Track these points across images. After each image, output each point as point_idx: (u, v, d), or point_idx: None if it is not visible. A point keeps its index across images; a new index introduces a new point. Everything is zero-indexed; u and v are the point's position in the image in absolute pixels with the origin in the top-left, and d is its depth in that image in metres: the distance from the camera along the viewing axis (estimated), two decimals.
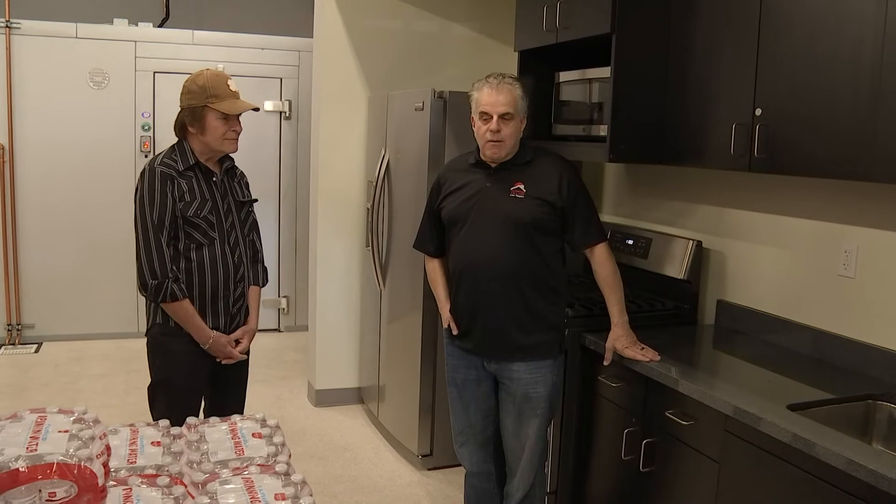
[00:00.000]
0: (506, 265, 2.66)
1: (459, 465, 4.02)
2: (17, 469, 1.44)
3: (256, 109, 2.81)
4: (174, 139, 2.80)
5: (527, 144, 2.75)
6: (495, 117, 2.60)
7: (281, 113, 6.46)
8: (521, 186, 2.67)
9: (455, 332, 2.82)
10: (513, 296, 2.67)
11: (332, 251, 4.82)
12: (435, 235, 2.90)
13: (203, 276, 2.73)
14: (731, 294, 3.22)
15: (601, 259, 2.72)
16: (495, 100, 2.61)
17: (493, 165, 2.72)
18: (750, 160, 2.59)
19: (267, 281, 3.02)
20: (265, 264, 3.03)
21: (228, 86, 2.71)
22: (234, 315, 2.83)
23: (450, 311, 2.84)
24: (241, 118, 2.78)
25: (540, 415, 2.75)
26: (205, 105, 2.67)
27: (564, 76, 3.47)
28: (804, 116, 2.41)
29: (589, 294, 3.25)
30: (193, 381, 2.80)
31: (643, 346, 2.71)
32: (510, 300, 2.67)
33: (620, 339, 2.72)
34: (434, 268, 2.94)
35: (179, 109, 2.74)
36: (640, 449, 2.65)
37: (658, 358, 2.65)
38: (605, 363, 2.79)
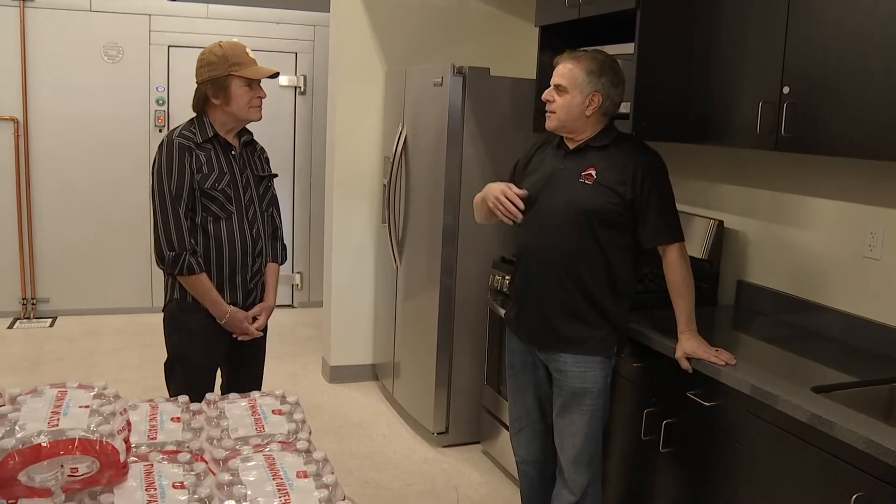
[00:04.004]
0: (559, 252, 2.55)
1: (475, 442, 4.04)
2: (40, 444, 1.42)
3: (277, 74, 2.76)
4: (189, 114, 2.77)
5: (612, 128, 2.62)
6: (551, 86, 2.59)
7: (296, 88, 6.41)
8: (593, 172, 2.53)
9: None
10: (565, 282, 2.55)
11: (347, 227, 4.80)
12: None
13: (221, 250, 2.70)
14: (752, 275, 3.18)
15: (671, 262, 2.53)
16: (556, 70, 2.59)
17: (570, 147, 2.61)
18: (776, 139, 2.54)
19: (286, 259, 2.99)
20: (284, 241, 3.01)
21: (247, 53, 2.69)
22: (250, 291, 2.82)
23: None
24: None
25: (588, 412, 2.60)
26: (228, 74, 2.64)
27: None
28: (833, 95, 2.35)
29: None
30: (210, 357, 2.79)
31: (717, 348, 2.47)
32: (562, 287, 2.55)
33: (688, 345, 2.50)
34: None
35: (197, 85, 2.70)
36: (660, 429, 2.63)
37: (734, 362, 2.41)
38: (689, 371, 2.48)
